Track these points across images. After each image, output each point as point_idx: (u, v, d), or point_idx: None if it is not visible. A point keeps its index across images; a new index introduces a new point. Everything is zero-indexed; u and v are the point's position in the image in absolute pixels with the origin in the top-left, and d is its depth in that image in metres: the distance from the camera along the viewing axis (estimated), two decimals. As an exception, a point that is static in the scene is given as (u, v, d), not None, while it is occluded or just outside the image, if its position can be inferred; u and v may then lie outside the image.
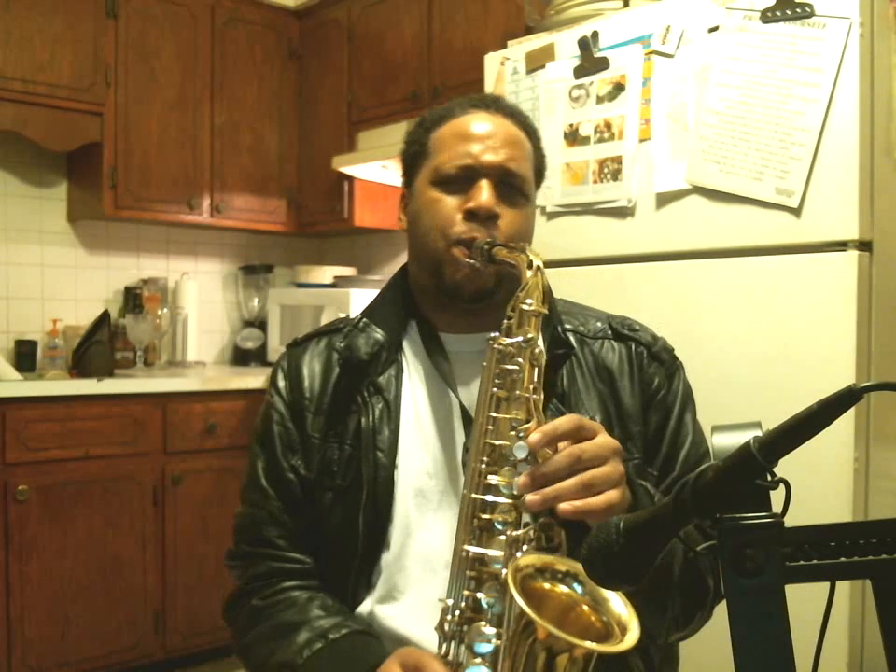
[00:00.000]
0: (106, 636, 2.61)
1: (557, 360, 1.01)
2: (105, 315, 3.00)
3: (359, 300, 2.95)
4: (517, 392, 0.87)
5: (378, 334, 1.06)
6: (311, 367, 1.08)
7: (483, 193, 0.99)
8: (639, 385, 1.03)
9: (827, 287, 1.50)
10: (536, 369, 0.88)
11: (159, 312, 3.26)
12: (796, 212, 1.54)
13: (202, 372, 3.16)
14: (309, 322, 3.13)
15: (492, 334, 0.90)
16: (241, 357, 3.54)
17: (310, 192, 3.43)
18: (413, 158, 1.08)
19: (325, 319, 3.01)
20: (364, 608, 1.00)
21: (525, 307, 0.90)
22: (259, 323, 3.56)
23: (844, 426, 1.42)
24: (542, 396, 0.87)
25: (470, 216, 0.99)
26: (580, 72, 1.89)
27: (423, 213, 1.03)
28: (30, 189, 3.10)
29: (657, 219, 1.76)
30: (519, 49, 2.04)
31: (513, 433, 0.85)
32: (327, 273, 3.41)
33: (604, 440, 0.82)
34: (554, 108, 1.94)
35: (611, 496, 0.79)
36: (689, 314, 1.68)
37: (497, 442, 0.86)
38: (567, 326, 1.05)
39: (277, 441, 1.06)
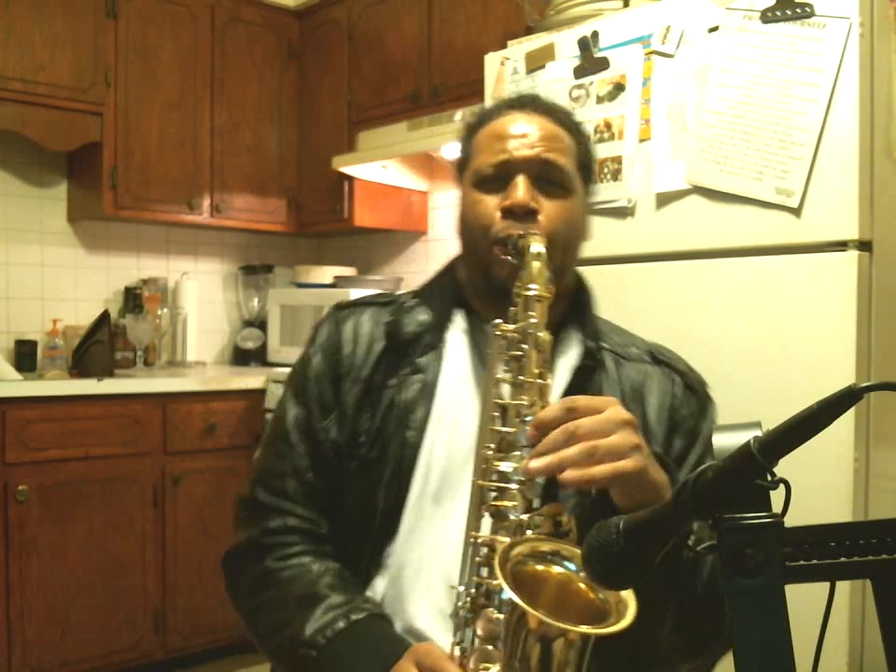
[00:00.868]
0: (106, 636, 2.61)
1: (584, 372, 1.00)
2: (104, 315, 3.00)
3: (359, 300, 2.95)
4: (523, 378, 0.87)
5: (425, 315, 1.05)
6: (355, 333, 1.07)
7: (519, 189, 0.98)
8: (668, 410, 1.02)
9: (827, 287, 1.50)
10: (541, 353, 0.88)
11: (159, 312, 3.27)
12: (796, 212, 1.54)
13: (202, 372, 3.16)
14: (309, 322, 3.13)
15: (495, 321, 0.91)
16: (241, 357, 3.54)
17: (310, 192, 3.43)
18: (461, 164, 1.09)
19: (325, 319, 3.00)
20: (374, 588, 0.99)
21: (528, 293, 0.91)
22: (259, 323, 3.56)
23: (844, 426, 1.42)
24: (549, 380, 0.87)
25: (508, 213, 0.99)
26: (580, 72, 1.89)
27: (466, 215, 1.04)
28: (30, 189, 3.10)
29: (657, 219, 1.76)
30: (519, 48, 2.04)
31: (519, 419, 0.85)
32: (327, 273, 3.41)
33: (611, 412, 0.82)
34: (554, 108, 1.94)
35: (619, 465, 0.79)
36: (689, 314, 1.68)
37: (504, 429, 0.86)
38: (605, 344, 1.05)
39: (313, 399, 1.04)
